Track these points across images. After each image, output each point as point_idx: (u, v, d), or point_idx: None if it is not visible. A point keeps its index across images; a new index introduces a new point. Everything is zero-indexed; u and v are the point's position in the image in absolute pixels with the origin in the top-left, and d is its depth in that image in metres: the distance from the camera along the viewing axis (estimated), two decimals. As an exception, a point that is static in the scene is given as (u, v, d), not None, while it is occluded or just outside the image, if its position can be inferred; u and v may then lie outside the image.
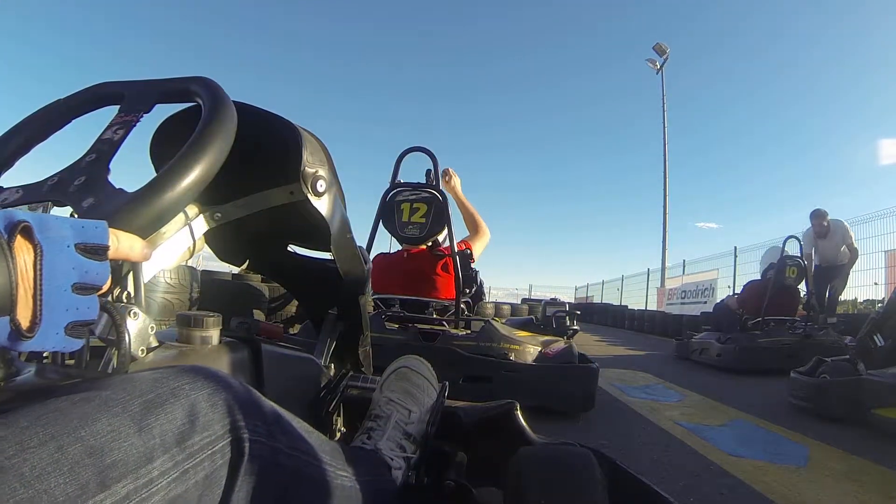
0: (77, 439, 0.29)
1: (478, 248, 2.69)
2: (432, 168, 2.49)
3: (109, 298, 0.52)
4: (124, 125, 0.50)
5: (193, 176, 0.41)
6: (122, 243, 0.37)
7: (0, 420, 0.28)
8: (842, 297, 5.54)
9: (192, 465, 0.34)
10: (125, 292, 0.53)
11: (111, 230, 0.36)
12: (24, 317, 0.30)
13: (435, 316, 2.43)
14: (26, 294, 0.30)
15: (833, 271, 5.00)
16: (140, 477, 0.30)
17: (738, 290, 5.47)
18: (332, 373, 0.86)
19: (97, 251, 0.34)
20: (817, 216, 4.90)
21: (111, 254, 0.35)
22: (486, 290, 4.55)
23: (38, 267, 0.31)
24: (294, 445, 0.43)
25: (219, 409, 0.37)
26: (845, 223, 5.01)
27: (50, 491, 0.26)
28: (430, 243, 2.54)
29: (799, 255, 4.36)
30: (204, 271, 4.37)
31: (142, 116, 0.52)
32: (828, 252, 4.96)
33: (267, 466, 0.39)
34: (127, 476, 0.30)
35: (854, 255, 5.08)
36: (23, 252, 0.30)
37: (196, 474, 0.34)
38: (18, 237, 0.30)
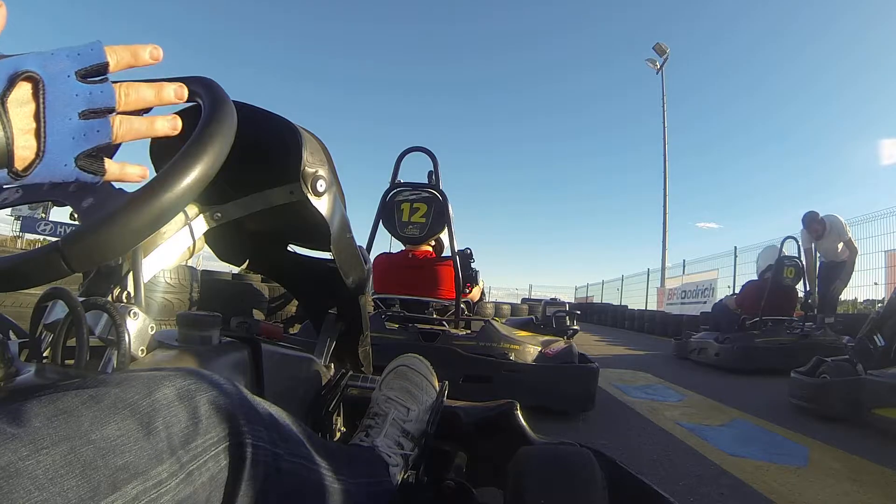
0: (88, 441, 0.29)
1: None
2: (433, 168, 2.49)
3: (109, 298, 0.52)
4: None
5: (193, 176, 0.41)
6: (121, 55, 0.38)
7: (12, 416, 0.28)
8: (842, 297, 5.44)
9: (195, 466, 0.34)
10: (125, 292, 0.53)
11: (107, 47, 0.37)
12: (22, 158, 0.32)
13: (435, 316, 2.43)
14: (28, 133, 0.32)
15: (834, 270, 4.80)
16: (150, 479, 0.31)
17: (737, 290, 5.46)
18: (332, 373, 0.86)
19: (98, 70, 0.36)
20: (811, 219, 4.67)
21: (113, 66, 0.37)
22: (486, 290, 4.54)
23: (42, 103, 0.32)
24: (294, 451, 0.43)
25: (221, 412, 0.37)
26: (840, 219, 4.75)
27: (63, 493, 0.26)
28: (433, 243, 2.54)
29: (796, 255, 4.35)
30: (204, 271, 4.36)
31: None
32: (827, 250, 4.79)
33: (269, 473, 0.39)
34: (137, 477, 0.30)
35: (853, 252, 4.83)
36: (22, 102, 0.32)
37: (201, 475, 0.34)
38: (21, 83, 0.32)
